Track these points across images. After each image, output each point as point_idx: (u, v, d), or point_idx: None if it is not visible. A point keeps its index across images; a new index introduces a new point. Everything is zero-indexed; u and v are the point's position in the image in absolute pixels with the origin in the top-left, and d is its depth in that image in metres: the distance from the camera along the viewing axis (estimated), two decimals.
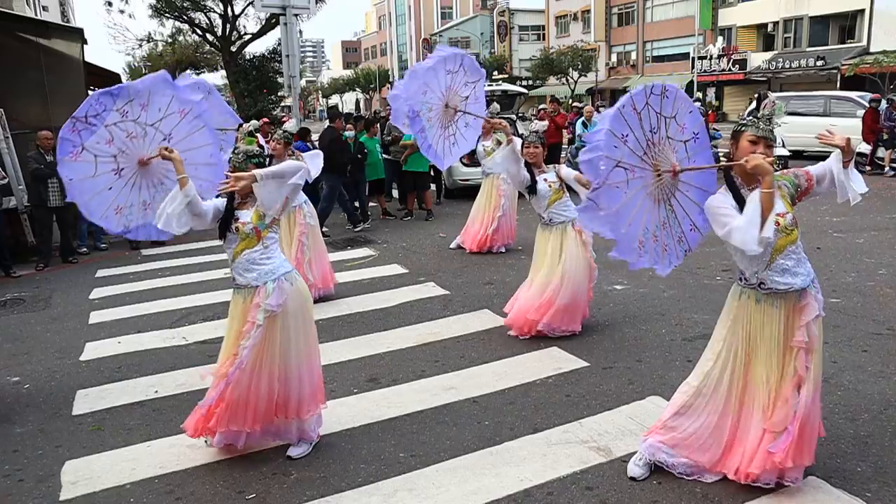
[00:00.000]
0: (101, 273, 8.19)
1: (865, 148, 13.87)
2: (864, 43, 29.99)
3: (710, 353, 3.11)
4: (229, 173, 3.44)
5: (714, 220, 2.82)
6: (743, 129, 2.88)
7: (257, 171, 3.32)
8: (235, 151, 3.54)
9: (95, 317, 6.39)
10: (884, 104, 13.96)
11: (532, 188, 5.11)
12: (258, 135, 11.42)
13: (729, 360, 3.02)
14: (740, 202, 2.79)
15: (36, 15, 21.65)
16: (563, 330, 5.13)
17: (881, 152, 13.81)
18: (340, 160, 9.52)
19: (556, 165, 5.36)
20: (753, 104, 17.78)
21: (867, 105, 14.28)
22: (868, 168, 13.64)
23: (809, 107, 16.17)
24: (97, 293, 7.22)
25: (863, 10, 30.35)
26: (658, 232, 2.97)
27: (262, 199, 3.36)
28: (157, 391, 4.55)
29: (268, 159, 4.56)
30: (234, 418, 3.40)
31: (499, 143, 8.51)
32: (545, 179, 5.14)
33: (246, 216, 3.43)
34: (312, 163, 3.83)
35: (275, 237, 3.54)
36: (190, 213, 3.39)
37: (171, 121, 3.78)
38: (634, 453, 3.33)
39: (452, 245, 8.63)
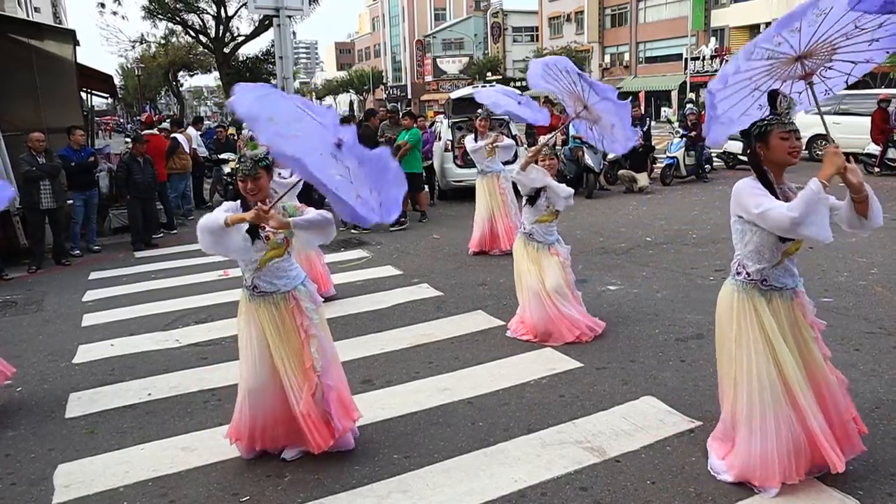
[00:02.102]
0: (93, 275, 8.15)
1: (875, 149, 13.46)
2: None
3: (726, 370, 3.10)
4: (260, 204, 3.20)
5: (748, 197, 2.80)
6: (768, 128, 2.83)
7: (292, 220, 3.27)
8: (242, 159, 3.39)
9: (88, 319, 6.37)
10: (893, 104, 13.39)
11: (533, 199, 5.11)
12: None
13: (753, 364, 2.97)
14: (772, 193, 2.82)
15: (28, 16, 21.57)
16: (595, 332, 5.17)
17: (892, 153, 13.32)
18: None
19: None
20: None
21: None
22: (877, 169, 13.35)
23: (863, 106, 14.74)
24: (90, 295, 7.19)
25: None
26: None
27: (296, 243, 3.45)
28: (150, 394, 4.54)
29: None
30: (343, 417, 3.52)
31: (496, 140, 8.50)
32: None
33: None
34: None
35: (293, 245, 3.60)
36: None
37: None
38: (629, 453, 3.40)
39: (471, 251, 8.32)
